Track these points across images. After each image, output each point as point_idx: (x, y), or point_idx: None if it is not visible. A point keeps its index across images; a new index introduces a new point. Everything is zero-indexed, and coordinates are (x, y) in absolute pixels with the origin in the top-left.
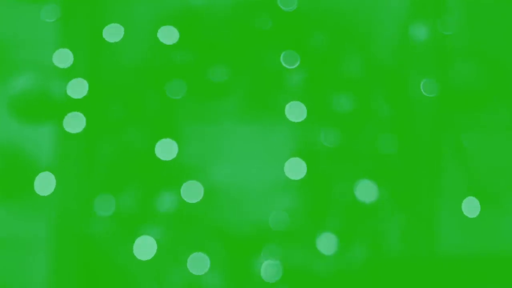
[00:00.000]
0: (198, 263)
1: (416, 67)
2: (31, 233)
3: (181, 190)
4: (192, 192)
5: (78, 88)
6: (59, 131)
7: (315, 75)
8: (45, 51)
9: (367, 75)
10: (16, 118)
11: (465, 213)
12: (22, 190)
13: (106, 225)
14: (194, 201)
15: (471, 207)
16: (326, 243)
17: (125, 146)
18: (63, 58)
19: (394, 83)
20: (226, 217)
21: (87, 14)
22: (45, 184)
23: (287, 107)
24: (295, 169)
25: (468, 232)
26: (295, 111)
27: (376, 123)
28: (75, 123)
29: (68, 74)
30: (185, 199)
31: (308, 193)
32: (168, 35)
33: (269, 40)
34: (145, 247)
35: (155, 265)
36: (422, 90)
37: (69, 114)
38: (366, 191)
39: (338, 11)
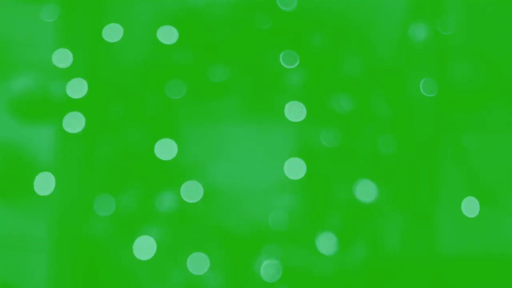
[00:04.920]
0: (198, 263)
1: (416, 67)
2: (30, 233)
3: (181, 190)
4: (192, 192)
5: (77, 88)
6: (59, 131)
7: (315, 75)
8: (44, 51)
9: (367, 75)
10: (16, 118)
11: (464, 213)
12: (21, 190)
13: (106, 225)
14: (194, 201)
15: (470, 207)
16: (326, 243)
17: (125, 146)
18: (62, 58)
19: (394, 83)
20: (225, 217)
21: (87, 14)
22: (45, 184)
23: (287, 107)
24: (295, 169)
25: (467, 232)
26: (295, 111)
27: (376, 123)
28: (75, 123)
29: (68, 74)
30: (185, 199)
31: (308, 193)
32: (168, 35)
33: (269, 40)
34: (145, 247)
35: (155, 265)
36: (421, 90)
37: (69, 114)
38: (366, 191)
39: (338, 11)
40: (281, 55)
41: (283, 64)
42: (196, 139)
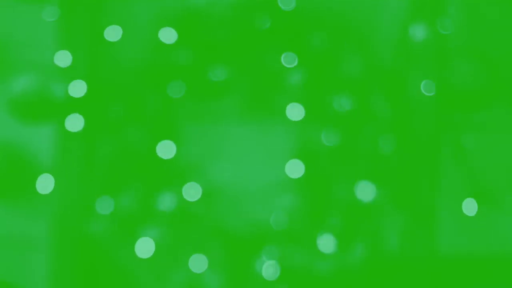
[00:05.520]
0: (198, 263)
1: (416, 67)
2: (31, 232)
3: (182, 190)
4: (192, 192)
5: (78, 88)
6: (59, 131)
7: (315, 75)
8: (45, 51)
9: (367, 75)
10: (17, 118)
11: (464, 212)
12: (22, 189)
13: (106, 224)
14: (194, 199)
15: (470, 207)
16: (326, 243)
17: (125, 146)
18: (63, 58)
19: (394, 83)
20: (225, 217)
21: (87, 14)
22: (45, 183)
23: (287, 107)
24: (295, 168)
25: (467, 232)
26: (295, 111)
27: (376, 123)
28: (75, 123)
29: (68, 74)
30: (186, 198)
31: (308, 193)
32: (168, 35)
33: (269, 40)
34: (145, 247)
35: (155, 264)
36: (422, 90)
37: (69, 114)
38: (365, 191)
39: (338, 11)
40: (282, 56)
41: (284, 64)
42: (196, 139)
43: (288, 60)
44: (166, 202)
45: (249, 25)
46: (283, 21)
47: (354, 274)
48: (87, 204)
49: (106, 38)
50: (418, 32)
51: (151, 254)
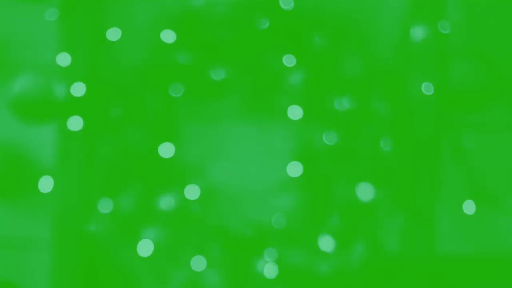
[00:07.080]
0: (198, 263)
1: (416, 67)
2: (32, 232)
3: (183, 190)
4: (192, 192)
5: (77, 89)
6: (60, 131)
7: (315, 75)
8: (45, 51)
9: (367, 75)
10: (18, 118)
11: (464, 212)
12: (24, 189)
13: (107, 224)
14: (193, 198)
15: (470, 207)
16: (326, 243)
17: (125, 146)
18: (63, 58)
19: (394, 83)
20: (226, 217)
21: (87, 14)
22: (47, 183)
23: (289, 109)
24: (294, 168)
25: (467, 231)
26: (295, 111)
27: (375, 123)
28: (75, 122)
29: (68, 74)
30: (185, 199)
31: (307, 193)
32: (168, 35)
33: (269, 40)
34: (145, 247)
35: (155, 264)
36: (422, 89)
37: (70, 114)
38: (365, 190)
39: (338, 11)
40: (283, 56)
41: (285, 63)
42: (196, 139)
43: (288, 60)
44: (166, 202)
45: (249, 25)
46: (283, 21)
47: (353, 274)
48: (87, 203)
49: (109, 38)
50: (418, 32)
51: (151, 253)
